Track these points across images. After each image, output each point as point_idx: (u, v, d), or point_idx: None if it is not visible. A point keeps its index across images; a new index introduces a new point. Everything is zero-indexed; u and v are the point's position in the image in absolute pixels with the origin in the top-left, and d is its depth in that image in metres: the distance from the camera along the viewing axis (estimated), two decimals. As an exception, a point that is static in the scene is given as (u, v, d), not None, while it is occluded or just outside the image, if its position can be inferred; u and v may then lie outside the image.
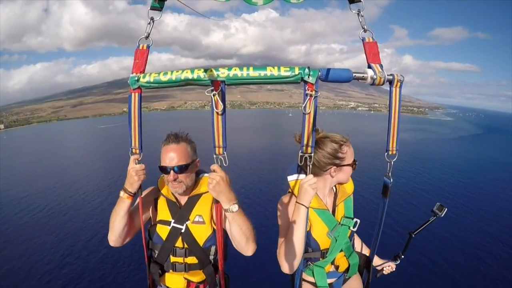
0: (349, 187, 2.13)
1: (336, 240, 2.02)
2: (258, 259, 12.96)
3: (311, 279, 2.11)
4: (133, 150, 1.83)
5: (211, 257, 2.07)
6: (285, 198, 2.05)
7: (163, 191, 2.10)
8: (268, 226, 12.56)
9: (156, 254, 2.07)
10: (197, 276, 2.11)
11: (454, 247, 20.26)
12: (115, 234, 1.94)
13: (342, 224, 2.03)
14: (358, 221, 2.07)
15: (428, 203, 26.91)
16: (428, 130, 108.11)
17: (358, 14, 1.61)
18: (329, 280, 2.13)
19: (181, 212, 2.04)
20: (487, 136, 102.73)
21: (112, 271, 17.75)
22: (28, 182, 38.40)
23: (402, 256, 2.34)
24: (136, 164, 1.84)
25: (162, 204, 2.10)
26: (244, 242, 1.81)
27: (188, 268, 2.07)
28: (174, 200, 2.08)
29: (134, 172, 1.82)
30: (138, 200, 2.02)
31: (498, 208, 28.34)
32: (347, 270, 2.17)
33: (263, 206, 25.44)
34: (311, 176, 1.68)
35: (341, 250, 2.08)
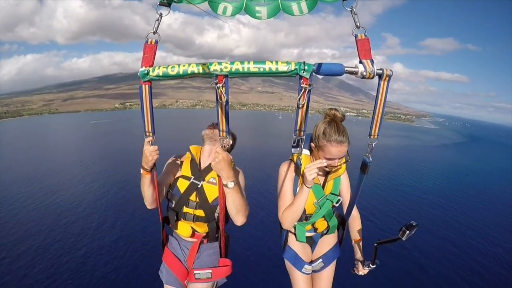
0: (341, 169, 2.29)
1: (320, 208, 2.29)
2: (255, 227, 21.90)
3: (294, 231, 2.47)
4: (147, 133, 2.01)
5: (216, 215, 2.34)
6: (284, 166, 2.28)
7: (193, 151, 2.44)
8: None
9: (173, 204, 2.37)
10: (202, 228, 2.40)
11: (415, 257, 20.84)
12: (148, 201, 2.25)
13: (327, 198, 2.29)
14: (341, 199, 2.35)
15: (395, 209, 29.15)
16: (412, 137, 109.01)
17: (351, 11, 1.68)
18: (310, 234, 2.47)
19: (200, 173, 2.36)
20: (468, 145, 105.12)
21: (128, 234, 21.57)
22: (32, 175, 38.73)
23: (372, 266, 2.19)
24: (150, 145, 2.03)
25: (186, 164, 2.42)
26: (234, 213, 2.07)
27: (196, 219, 2.36)
28: (198, 161, 2.41)
29: (148, 153, 2.02)
30: (164, 169, 2.45)
31: (463, 214, 30.17)
32: (327, 229, 2.46)
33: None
34: (311, 164, 1.88)
35: (323, 217, 2.36)
